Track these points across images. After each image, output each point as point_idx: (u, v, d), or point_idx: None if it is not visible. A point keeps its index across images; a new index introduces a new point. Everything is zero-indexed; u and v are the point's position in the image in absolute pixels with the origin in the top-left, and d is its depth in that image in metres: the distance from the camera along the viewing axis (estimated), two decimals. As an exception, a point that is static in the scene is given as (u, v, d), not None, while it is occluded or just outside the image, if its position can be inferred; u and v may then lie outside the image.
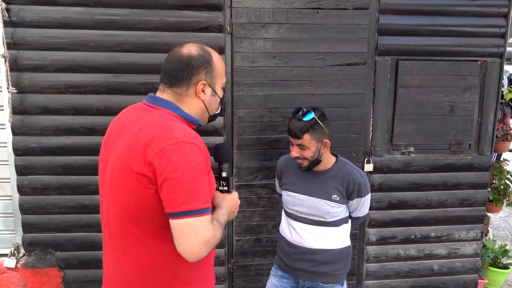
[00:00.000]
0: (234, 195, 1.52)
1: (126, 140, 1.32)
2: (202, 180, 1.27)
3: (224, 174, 1.53)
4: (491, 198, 4.07)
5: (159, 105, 1.39)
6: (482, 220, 3.21)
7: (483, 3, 2.88)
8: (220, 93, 1.49)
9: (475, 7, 2.88)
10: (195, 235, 1.21)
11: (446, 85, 2.93)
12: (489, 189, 3.72)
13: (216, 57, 1.45)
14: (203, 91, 1.42)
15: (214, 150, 1.55)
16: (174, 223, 1.23)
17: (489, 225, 4.31)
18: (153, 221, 1.30)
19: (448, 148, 3.05)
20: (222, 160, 1.54)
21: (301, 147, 1.99)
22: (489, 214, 4.07)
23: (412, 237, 3.12)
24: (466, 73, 2.94)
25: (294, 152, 2.02)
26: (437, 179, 3.06)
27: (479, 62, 2.96)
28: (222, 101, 1.54)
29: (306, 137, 1.97)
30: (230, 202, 1.48)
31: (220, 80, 1.48)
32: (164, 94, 1.42)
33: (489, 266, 3.54)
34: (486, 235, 3.78)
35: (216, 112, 1.53)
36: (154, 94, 1.45)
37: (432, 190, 3.08)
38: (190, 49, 1.41)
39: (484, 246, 3.50)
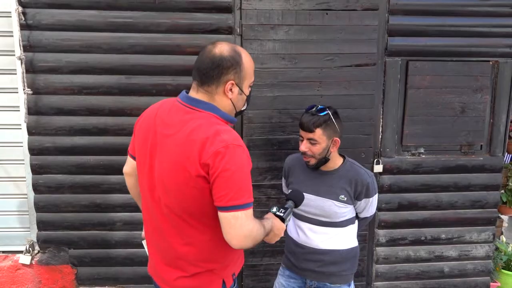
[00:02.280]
0: (283, 225, 1.68)
1: (176, 143, 1.46)
2: (248, 178, 1.45)
3: (287, 206, 1.78)
4: (504, 200, 4.01)
5: (202, 108, 1.51)
6: (494, 222, 3.17)
7: (495, 3, 2.85)
8: (247, 91, 1.60)
9: (487, 7, 2.85)
10: (240, 226, 1.40)
11: (457, 86, 2.91)
12: (502, 191, 3.67)
13: (246, 58, 1.55)
14: (231, 90, 1.52)
15: (294, 191, 1.96)
16: (223, 215, 1.42)
17: (503, 227, 4.25)
18: (206, 212, 1.48)
19: (459, 149, 3.03)
20: (291, 199, 1.87)
21: (312, 141, 1.99)
22: (502, 216, 4.02)
23: (422, 238, 3.10)
24: (477, 74, 2.92)
25: (303, 146, 2.02)
26: (447, 181, 3.04)
27: (491, 63, 2.93)
28: (249, 98, 1.66)
29: (318, 132, 1.97)
30: (277, 224, 1.65)
31: (248, 80, 1.58)
32: (198, 93, 1.53)
33: (502, 269, 3.49)
34: (499, 238, 3.73)
35: (243, 109, 1.67)
36: (187, 93, 1.57)
37: (442, 191, 3.06)
38: (222, 49, 1.51)
39: (497, 248, 3.46)
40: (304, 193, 2.08)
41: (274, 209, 1.72)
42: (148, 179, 1.58)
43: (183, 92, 1.58)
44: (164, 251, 1.62)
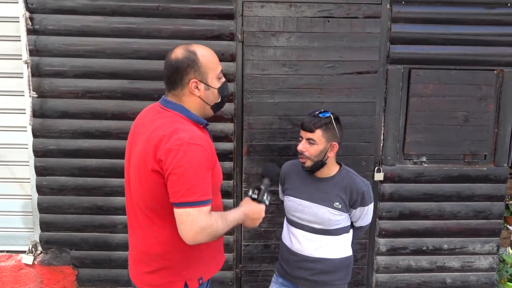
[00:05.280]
0: (261, 207, 1.70)
1: (142, 141, 1.54)
2: (203, 176, 1.46)
3: (262, 186, 1.74)
4: (512, 211, 3.94)
5: (170, 108, 1.58)
6: (498, 233, 3.11)
7: (500, 11, 2.81)
8: (215, 84, 1.62)
9: (492, 15, 2.82)
10: (191, 223, 1.42)
11: (461, 95, 2.88)
12: (511, 202, 3.60)
13: (202, 53, 1.57)
14: (197, 88, 1.57)
15: (264, 166, 1.89)
16: (175, 211, 1.46)
17: (512, 239, 4.16)
18: (164, 207, 1.51)
19: (462, 158, 2.99)
20: (264, 174, 1.82)
21: (311, 141, 2.00)
22: (511, 227, 3.94)
23: (424, 248, 3.06)
24: (481, 83, 2.88)
25: (301, 146, 2.03)
26: (450, 190, 3.00)
27: (496, 72, 2.89)
28: (223, 88, 1.66)
29: (318, 132, 1.99)
30: (252, 209, 1.67)
31: (212, 72, 1.60)
32: (168, 97, 1.61)
33: (508, 281, 3.42)
34: (506, 250, 3.66)
35: (218, 101, 1.66)
36: (166, 97, 1.64)
37: (445, 201, 3.01)
38: (177, 53, 1.56)
39: (503, 260, 3.39)
40: (299, 199, 2.09)
41: (250, 192, 1.71)
42: (128, 178, 1.67)
43: (163, 96, 1.66)
44: (135, 247, 1.67)
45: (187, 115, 1.57)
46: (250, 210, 1.66)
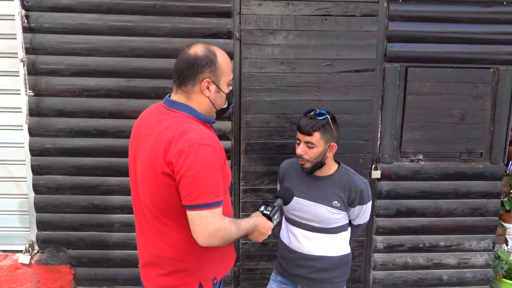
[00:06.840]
0: (270, 224, 1.67)
1: (150, 143, 1.51)
2: (215, 177, 1.45)
3: (275, 204, 1.77)
4: (508, 208, 3.97)
5: (176, 108, 1.55)
6: (494, 230, 3.14)
7: (496, 10, 2.83)
8: (225, 89, 1.61)
9: (488, 13, 2.84)
10: (205, 225, 1.42)
11: (457, 93, 2.90)
12: (506, 199, 3.63)
13: (220, 56, 1.58)
14: (207, 88, 1.55)
15: (282, 188, 1.97)
16: (189, 214, 1.44)
17: (507, 235, 4.20)
18: (176, 209, 1.50)
19: (458, 156, 3.01)
20: (280, 196, 1.85)
21: (309, 145, 1.98)
22: (506, 225, 3.97)
23: (421, 245, 3.08)
24: (477, 81, 2.90)
25: (300, 149, 2.01)
26: (446, 188, 3.02)
27: (492, 70, 2.91)
28: (230, 95, 1.66)
29: (316, 135, 1.97)
30: (262, 222, 1.65)
31: (225, 77, 1.60)
32: (176, 95, 1.58)
33: (503, 278, 3.45)
34: (501, 246, 3.69)
35: (224, 107, 1.66)
36: (170, 96, 1.61)
37: (441, 198, 3.03)
38: (197, 49, 1.55)
39: (498, 257, 3.42)
40: (297, 198, 2.09)
41: (262, 208, 1.71)
42: (134, 180, 1.63)
43: (167, 95, 1.63)
44: (146, 250, 1.64)
45: (194, 115, 1.55)
46: (261, 223, 1.64)
